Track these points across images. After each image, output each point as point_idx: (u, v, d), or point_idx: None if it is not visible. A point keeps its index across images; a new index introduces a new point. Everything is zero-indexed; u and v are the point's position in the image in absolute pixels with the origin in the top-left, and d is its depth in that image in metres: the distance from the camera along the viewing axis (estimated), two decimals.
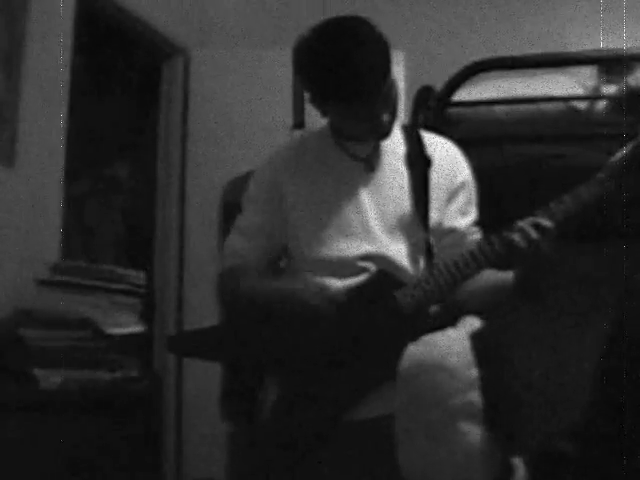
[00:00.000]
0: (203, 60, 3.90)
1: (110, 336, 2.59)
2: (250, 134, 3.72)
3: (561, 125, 2.67)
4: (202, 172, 3.82)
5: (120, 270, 2.82)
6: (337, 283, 1.89)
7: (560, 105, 2.68)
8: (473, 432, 1.62)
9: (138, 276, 2.83)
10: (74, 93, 3.06)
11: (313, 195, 1.96)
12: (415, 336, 1.79)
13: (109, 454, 2.44)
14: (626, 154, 1.82)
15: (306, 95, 1.92)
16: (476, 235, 1.99)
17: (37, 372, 2.35)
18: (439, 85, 2.83)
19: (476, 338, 1.72)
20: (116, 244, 4.23)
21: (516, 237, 1.78)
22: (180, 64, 3.94)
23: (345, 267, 1.90)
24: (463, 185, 1.99)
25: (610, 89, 2.65)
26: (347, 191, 1.95)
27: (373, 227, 1.92)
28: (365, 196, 1.94)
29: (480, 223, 2.02)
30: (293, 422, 1.84)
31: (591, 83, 2.71)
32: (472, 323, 1.78)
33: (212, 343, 1.97)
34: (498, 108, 2.76)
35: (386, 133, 1.95)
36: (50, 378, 2.36)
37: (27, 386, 2.32)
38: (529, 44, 3.34)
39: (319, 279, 1.88)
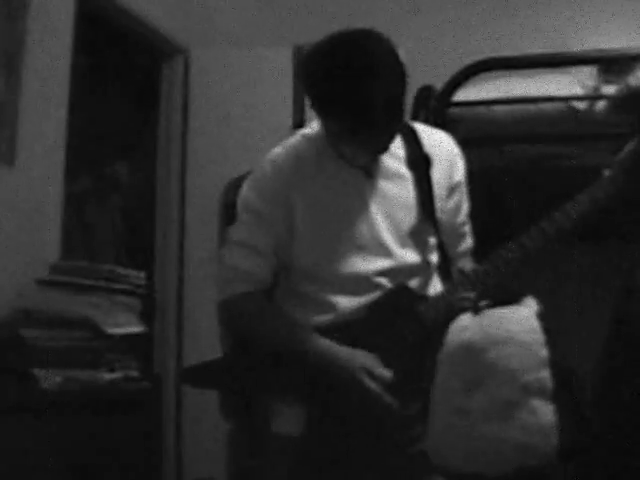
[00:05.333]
0: (203, 60, 3.90)
1: (110, 336, 2.59)
2: (250, 134, 3.72)
3: (561, 125, 2.67)
4: (202, 172, 3.82)
5: (120, 270, 2.82)
6: (353, 300, 1.85)
7: (560, 105, 2.68)
8: (545, 410, 1.60)
9: (138, 276, 2.84)
10: (74, 93, 3.06)
11: (320, 208, 1.87)
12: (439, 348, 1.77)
13: (109, 454, 2.44)
14: (633, 149, 1.81)
15: (307, 100, 1.79)
16: (465, 228, 1.99)
17: (37, 372, 2.35)
18: (439, 85, 2.83)
19: (541, 319, 1.70)
20: (116, 244, 4.23)
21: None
22: (180, 64, 3.94)
23: (360, 283, 1.85)
24: (459, 184, 1.97)
25: (610, 89, 2.65)
26: (354, 202, 1.87)
27: (385, 239, 1.86)
28: (373, 206, 1.87)
29: (470, 215, 2.03)
30: (333, 438, 1.83)
31: (591, 83, 2.71)
32: (532, 304, 1.76)
33: (229, 374, 1.93)
34: (498, 108, 2.75)
35: (385, 150, 1.85)
36: (50, 378, 2.36)
37: (27, 386, 2.32)
38: (529, 44, 3.34)
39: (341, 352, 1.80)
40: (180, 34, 3.86)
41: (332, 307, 1.86)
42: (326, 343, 1.82)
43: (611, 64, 2.71)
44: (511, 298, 1.77)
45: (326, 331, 1.84)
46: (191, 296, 3.78)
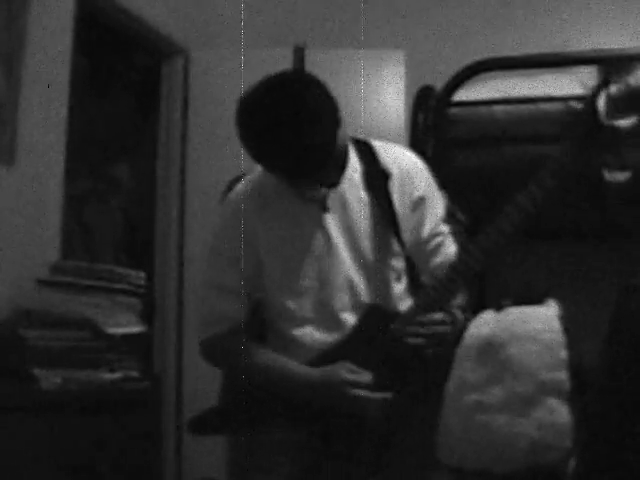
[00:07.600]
0: (203, 60, 3.90)
1: (110, 336, 2.59)
2: None
3: (561, 125, 2.67)
4: (202, 172, 3.82)
5: (120, 270, 2.82)
6: (322, 336, 1.85)
7: (560, 105, 2.68)
8: (561, 410, 1.60)
9: (138, 276, 2.83)
10: (74, 93, 3.06)
11: (283, 245, 1.86)
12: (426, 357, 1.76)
13: (109, 454, 2.43)
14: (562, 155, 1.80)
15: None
16: (437, 240, 1.92)
17: (37, 372, 2.35)
18: (439, 85, 2.84)
19: (562, 320, 1.70)
20: (116, 244, 4.23)
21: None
22: (180, 64, 3.94)
23: (327, 318, 1.84)
24: (422, 199, 1.90)
25: (610, 89, 2.65)
26: (317, 237, 1.85)
27: (351, 273, 1.84)
28: (337, 239, 1.85)
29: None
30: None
31: (591, 83, 2.71)
32: (553, 306, 1.75)
33: (231, 421, 1.93)
34: (498, 108, 2.76)
35: (334, 184, 1.84)
36: (50, 378, 2.36)
37: (27, 386, 2.32)
38: (529, 44, 3.34)
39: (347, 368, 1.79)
40: (180, 34, 3.86)
41: (302, 344, 1.85)
42: (300, 369, 1.82)
43: (611, 64, 2.71)
44: (534, 298, 1.77)
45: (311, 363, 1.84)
46: (191, 296, 3.77)
